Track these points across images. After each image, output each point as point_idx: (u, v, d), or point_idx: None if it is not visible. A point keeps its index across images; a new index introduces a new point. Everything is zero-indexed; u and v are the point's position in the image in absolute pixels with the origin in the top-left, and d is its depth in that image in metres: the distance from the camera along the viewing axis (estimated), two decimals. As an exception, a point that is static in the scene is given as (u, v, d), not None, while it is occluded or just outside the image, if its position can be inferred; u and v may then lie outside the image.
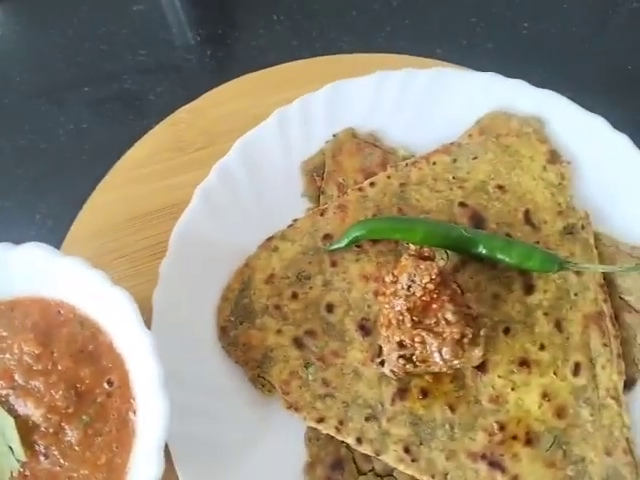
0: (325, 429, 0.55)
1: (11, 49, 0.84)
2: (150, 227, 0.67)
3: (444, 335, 0.52)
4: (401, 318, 0.53)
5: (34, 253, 0.54)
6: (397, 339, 0.53)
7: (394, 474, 0.55)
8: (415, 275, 0.53)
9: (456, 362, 0.53)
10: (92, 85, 0.80)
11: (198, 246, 0.62)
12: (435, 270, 0.53)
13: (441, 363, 0.52)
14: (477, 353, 0.53)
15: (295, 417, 0.56)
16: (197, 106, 0.74)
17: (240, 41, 0.81)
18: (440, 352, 0.52)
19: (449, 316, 0.52)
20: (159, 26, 0.84)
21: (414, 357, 0.53)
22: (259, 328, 0.60)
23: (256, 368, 0.58)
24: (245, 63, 0.77)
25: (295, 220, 0.64)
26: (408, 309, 0.53)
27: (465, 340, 0.52)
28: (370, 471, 0.55)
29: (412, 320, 0.53)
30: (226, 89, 0.75)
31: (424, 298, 0.53)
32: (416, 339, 0.53)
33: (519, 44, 0.80)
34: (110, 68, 0.81)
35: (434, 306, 0.53)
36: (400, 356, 0.53)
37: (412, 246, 0.56)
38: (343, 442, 0.56)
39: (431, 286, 0.53)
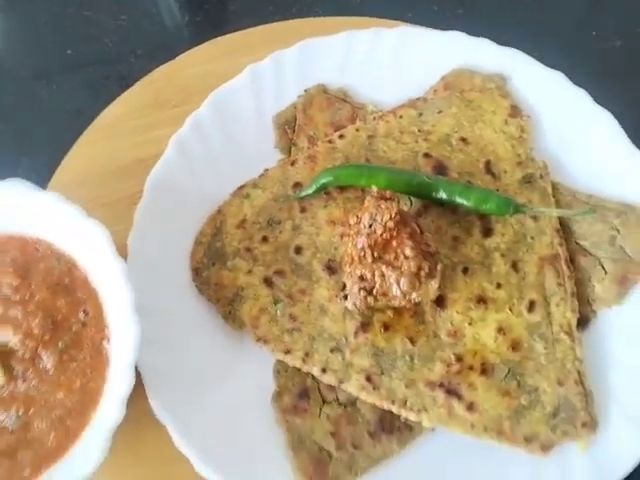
0: (292, 361, 0.58)
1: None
2: (130, 178, 0.70)
3: (402, 268, 0.55)
4: (363, 254, 0.56)
5: (14, 189, 0.57)
6: (359, 273, 0.56)
7: (357, 404, 0.58)
8: (376, 214, 0.57)
9: (414, 295, 0.56)
10: (74, 48, 0.83)
11: (172, 193, 0.65)
12: (395, 210, 0.56)
13: (400, 296, 0.56)
14: (433, 285, 0.56)
15: (264, 350, 0.59)
16: (174, 66, 0.78)
17: (217, 6, 0.84)
18: (398, 284, 0.55)
19: (407, 251, 0.55)
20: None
21: (374, 290, 0.56)
22: (230, 269, 0.63)
23: (227, 305, 0.61)
24: (222, 27, 0.81)
25: (266, 170, 0.67)
26: (369, 245, 0.56)
27: (422, 273, 0.55)
28: (334, 400, 0.58)
29: (372, 256, 0.56)
30: (202, 50, 0.78)
31: (384, 235, 0.56)
32: (376, 272, 0.56)
33: (488, 9, 0.84)
34: (92, 32, 0.84)
35: (394, 243, 0.56)
36: (361, 288, 0.56)
37: (374, 188, 0.59)
38: (309, 373, 0.59)
39: (391, 224, 0.56)
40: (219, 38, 0.78)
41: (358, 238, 0.57)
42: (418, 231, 0.58)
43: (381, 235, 0.56)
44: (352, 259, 0.57)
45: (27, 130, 0.78)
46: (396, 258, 0.56)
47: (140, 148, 0.72)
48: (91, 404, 0.54)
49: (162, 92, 0.76)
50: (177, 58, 0.77)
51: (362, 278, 0.56)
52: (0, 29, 0.86)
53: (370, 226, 0.56)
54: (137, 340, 0.51)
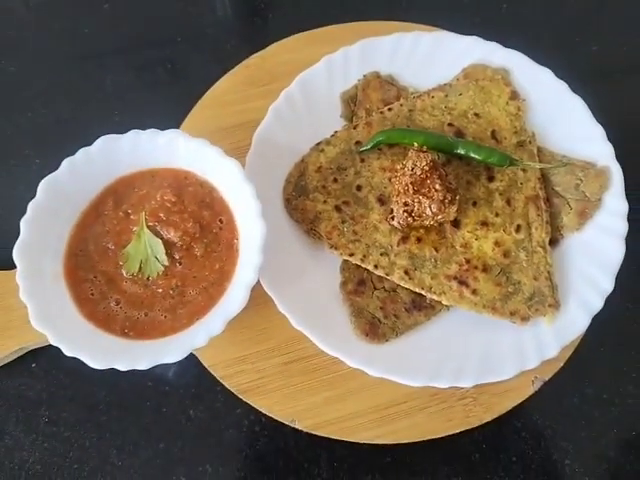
0: (354, 260, 0.84)
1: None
2: (235, 135, 0.95)
3: (433, 197, 0.82)
4: (406, 188, 0.82)
5: (172, 135, 0.83)
6: (403, 200, 0.83)
7: (397, 290, 0.85)
8: (416, 161, 0.83)
9: (440, 216, 0.83)
10: (181, 40, 1.10)
11: (270, 146, 0.90)
12: (429, 158, 0.82)
13: (431, 215, 0.82)
14: (453, 209, 0.82)
15: (334, 254, 0.86)
16: (263, 54, 1.03)
17: (295, 9, 1.11)
18: (430, 207, 0.81)
19: (437, 186, 0.82)
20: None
21: (413, 212, 0.83)
22: (311, 200, 0.89)
23: (309, 224, 0.87)
24: (298, 26, 1.06)
25: (336, 131, 0.93)
26: (411, 182, 0.82)
27: (446, 201, 0.82)
28: (382, 287, 0.85)
29: (413, 189, 0.82)
30: (285, 43, 1.03)
31: (421, 176, 0.82)
32: (415, 200, 0.82)
33: (498, 20, 1.10)
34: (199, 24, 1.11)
35: (428, 181, 0.82)
36: (404, 211, 0.83)
37: (415, 144, 0.85)
38: (365, 269, 0.85)
39: (426, 168, 0.82)
40: (297, 35, 1.04)
41: (403, 177, 0.83)
42: (444, 174, 0.84)
43: (419, 176, 0.82)
44: (398, 192, 0.84)
45: (151, 99, 1.05)
46: (429, 191, 0.82)
47: (240, 114, 0.98)
48: (226, 279, 0.79)
49: (255, 74, 1.01)
50: (266, 48, 1.03)
51: (405, 204, 0.83)
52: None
53: (412, 169, 0.83)
54: (263, 237, 0.77)
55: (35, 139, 1.04)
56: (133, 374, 0.87)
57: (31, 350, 0.89)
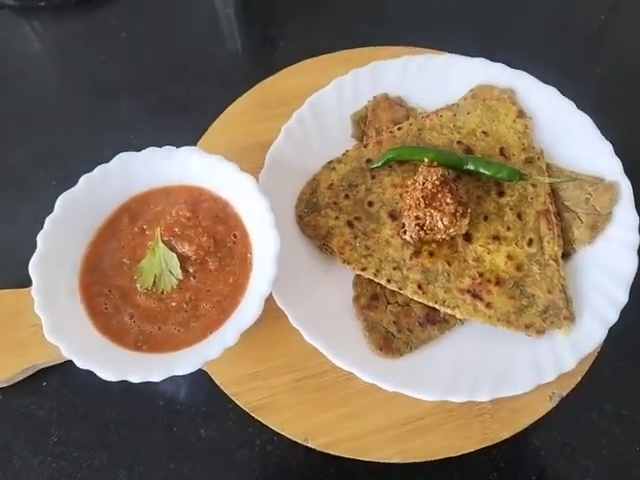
0: (367, 274, 0.84)
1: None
2: (251, 155, 0.95)
3: (444, 210, 0.83)
4: (418, 202, 0.83)
5: (186, 152, 0.85)
6: (415, 214, 0.84)
7: (410, 304, 0.85)
8: (427, 175, 0.84)
9: (451, 230, 0.83)
10: (196, 64, 1.14)
11: (283, 165, 0.92)
12: (440, 172, 0.84)
13: (443, 228, 0.82)
14: (464, 222, 0.83)
15: (347, 269, 0.86)
16: (275, 79, 1.06)
17: (305, 37, 1.15)
18: (442, 220, 0.82)
19: (448, 200, 0.83)
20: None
21: (425, 226, 0.84)
22: (323, 216, 0.90)
23: (322, 239, 0.88)
24: (309, 53, 1.10)
25: (347, 150, 0.95)
26: (423, 196, 0.83)
27: (457, 214, 0.82)
28: (395, 302, 0.85)
29: (425, 203, 0.83)
30: (296, 68, 1.07)
31: (432, 190, 0.83)
32: (427, 214, 0.83)
33: (504, 42, 1.14)
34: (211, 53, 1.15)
35: (439, 195, 0.83)
36: (416, 224, 0.83)
37: (426, 160, 0.87)
38: (378, 284, 0.85)
39: (437, 182, 0.83)
40: (307, 60, 1.08)
41: (414, 192, 0.85)
42: (455, 188, 0.85)
43: (430, 190, 0.83)
44: (410, 206, 0.84)
45: (164, 122, 1.08)
46: (440, 205, 0.83)
47: (253, 135, 1.00)
48: (240, 293, 0.79)
49: (267, 97, 1.04)
50: (278, 73, 1.07)
51: (417, 217, 0.83)
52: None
53: (423, 184, 0.84)
54: (277, 248, 0.78)
55: (52, 161, 1.07)
56: (144, 394, 0.87)
57: (42, 369, 0.89)
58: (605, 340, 0.81)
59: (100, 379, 0.89)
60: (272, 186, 0.91)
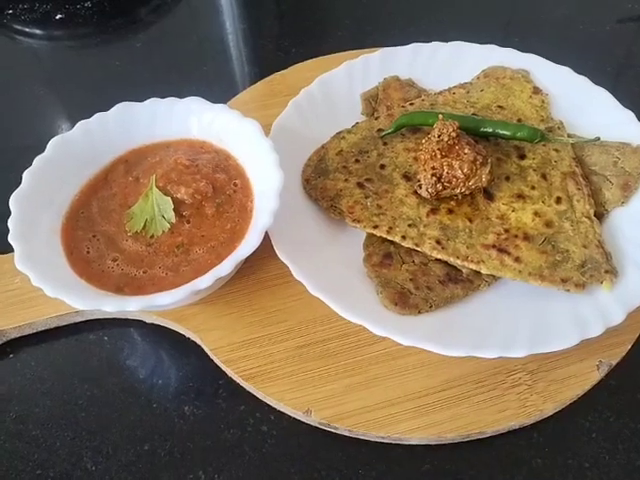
0: (379, 232, 0.75)
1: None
2: None
3: (463, 159, 0.76)
4: (434, 154, 0.78)
5: (191, 102, 0.81)
6: (431, 165, 0.78)
7: (429, 264, 0.76)
8: (443, 128, 0.79)
9: (471, 182, 0.76)
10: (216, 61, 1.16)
11: (288, 135, 0.86)
12: (456, 125, 0.79)
13: (462, 177, 0.76)
14: (485, 170, 0.76)
15: (357, 228, 0.78)
16: (285, 72, 1.06)
17: (320, 39, 1.18)
18: (461, 169, 0.76)
19: (466, 150, 0.77)
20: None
21: (442, 178, 0.77)
22: (332, 179, 0.84)
23: (329, 201, 0.81)
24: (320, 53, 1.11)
25: (357, 122, 0.92)
26: (439, 149, 0.78)
27: (477, 162, 0.76)
28: (411, 262, 0.76)
29: (441, 154, 0.78)
30: (306, 64, 1.07)
31: (449, 142, 0.78)
32: (445, 164, 0.77)
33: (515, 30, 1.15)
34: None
35: (456, 147, 0.78)
36: (433, 175, 0.77)
37: (441, 116, 0.83)
38: (392, 243, 0.76)
39: (454, 134, 0.78)
40: (317, 58, 1.08)
41: (429, 145, 0.79)
42: (472, 141, 0.80)
43: (447, 142, 0.78)
44: (425, 160, 0.79)
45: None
46: (458, 155, 0.77)
47: (261, 119, 0.98)
48: (237, 239, 0.71)
49: (276, 87, 1.03)
50: (288, 68, 1.07)
51: (434, 168, 0.77)
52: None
53: (439, 136, 0.79)
54: (280, 183, 0.72)
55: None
56: (124, 368, 0.76)
57: (11, 339, 0.78)
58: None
59: (76, 351, 0.78)
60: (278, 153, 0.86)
